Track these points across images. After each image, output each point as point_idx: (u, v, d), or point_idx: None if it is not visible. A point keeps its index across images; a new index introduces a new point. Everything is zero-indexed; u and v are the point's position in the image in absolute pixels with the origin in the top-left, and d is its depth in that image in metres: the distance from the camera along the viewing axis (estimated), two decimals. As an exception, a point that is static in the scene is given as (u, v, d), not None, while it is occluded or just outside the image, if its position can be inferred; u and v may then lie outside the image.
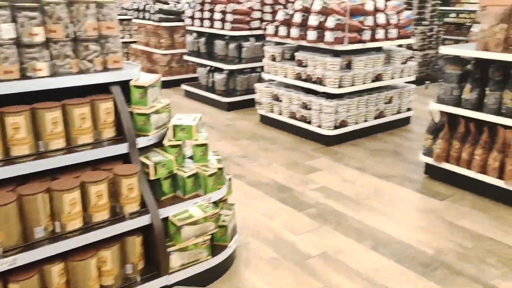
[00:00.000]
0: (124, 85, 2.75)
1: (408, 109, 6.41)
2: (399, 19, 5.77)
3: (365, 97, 5.72)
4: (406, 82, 6.29)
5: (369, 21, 5.48)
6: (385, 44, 5.75)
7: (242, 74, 7.17)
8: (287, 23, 5.84)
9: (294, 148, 5.53)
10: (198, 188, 2.91)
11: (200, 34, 7.71)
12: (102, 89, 2.67)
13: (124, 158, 2.71)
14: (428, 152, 4.62)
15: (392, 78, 5.95)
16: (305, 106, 5.71)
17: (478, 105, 4.18)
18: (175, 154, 2.85)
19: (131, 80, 2.76)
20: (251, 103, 7.15)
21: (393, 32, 5.74)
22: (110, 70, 2.68)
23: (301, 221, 3.78)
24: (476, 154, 4.18)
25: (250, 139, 5.86)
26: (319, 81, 5.53)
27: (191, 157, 3.00)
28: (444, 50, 4.37)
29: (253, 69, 7.28)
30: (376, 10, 5.54)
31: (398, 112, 6.27)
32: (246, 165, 5.01)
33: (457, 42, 11.76)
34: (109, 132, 2.66)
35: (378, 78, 5.79)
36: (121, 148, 2.65)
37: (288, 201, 4.14)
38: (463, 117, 4.28)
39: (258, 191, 4.36)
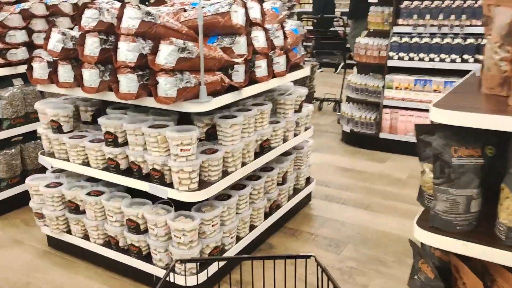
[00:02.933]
0: None
1: (308, 180, 3.93)
2: (285, 37, 3.20)
3: (247, 189, 3.00)
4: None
5: (241, 45, 2.76)
6: (272, 85, 3.12)
7: (8, 148, 3.82)
8: (73, 56, 2.80)
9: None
10: None
11: None
12: None
13: None
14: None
15: (284, 141, 3.36)
16: (134, 227, 2.75)
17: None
18: None
19: None
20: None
21: (281, 62, 3.14)
22: None
23: None
24: None
25: (20, 318, 2.67)
26: (158, 177, 2.64)
27: None
28: (442, 115, 1.89)
29: (26, 137, 3.98)
30: (251, 23, 2.86)
31: (296, 192, 3.73)
32: None
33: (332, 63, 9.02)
34: None
35: (264, 147, 3.14)
36: None
37: None
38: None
39: None
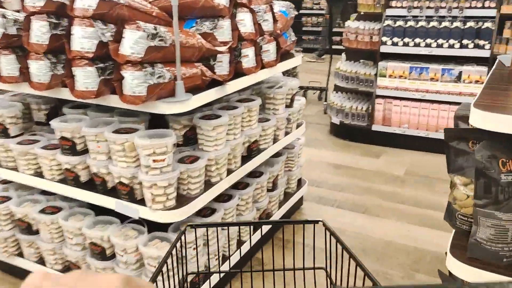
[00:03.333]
0: None
1: (299, 182, 3.50)
2: (274, 20, 2.73)
3: (234, 200, 2.56)
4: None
5: (224, 30, 2.28)
6: (261, 78, 2.66)
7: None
8: (18, 44, 2.27)
9: None
10: None
11: None
12: None
13: None
14: None
15: (274, 142, 2.92)
16: (99, 252, 2.28)
17: None
18: None
19: None
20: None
21: (271, 50, 2.67)
22: None
23: None
24: None
25: None
26: (126, 192, 2.16)
27: None
28: (488, 120, 1.48)
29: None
30: (236, 3, 2.38)
31: (287, 197, 3.31)
32: None
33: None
34: None
35: (252, 150, 2.69)
36: None
37: None
38: None
39: None
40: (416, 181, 4.05)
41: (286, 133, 3.06)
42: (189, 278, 1.67)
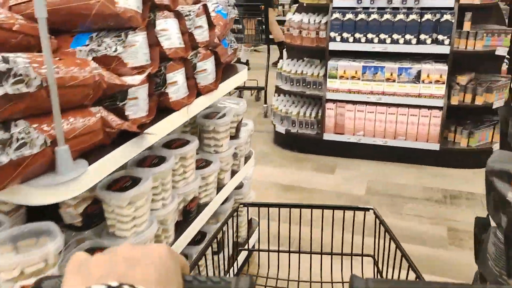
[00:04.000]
0: None
1: (250, 225, 2.77)
2: (210, 25, 1.94)
3: None
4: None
5: (137, 49, 1.47)
6: (197, 110, 1.86)
7: None
8: None
9: None
10: None
11: None
12: None
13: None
14: None
15: (219, 190, 2.15)
16: None
17: None
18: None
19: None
20: None
21: (208, 69, 1.88)
22: None
23: None
24: None
25: None
26: (-14, 328, 1.31)
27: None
28: None
29: None
30: (153, 4, 1.56)
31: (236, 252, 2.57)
32: None
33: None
34: None
35: (189, 212, 1.91)
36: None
37: None
38: None
39: None
40: (380, 202, 3.48)
41: (233, 173, 2.31)
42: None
